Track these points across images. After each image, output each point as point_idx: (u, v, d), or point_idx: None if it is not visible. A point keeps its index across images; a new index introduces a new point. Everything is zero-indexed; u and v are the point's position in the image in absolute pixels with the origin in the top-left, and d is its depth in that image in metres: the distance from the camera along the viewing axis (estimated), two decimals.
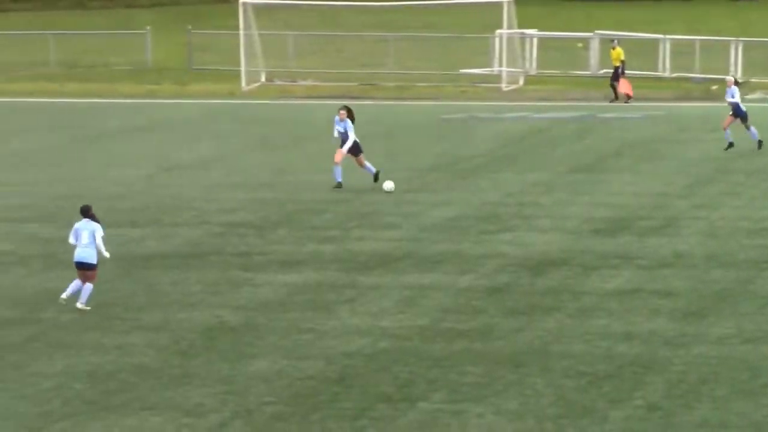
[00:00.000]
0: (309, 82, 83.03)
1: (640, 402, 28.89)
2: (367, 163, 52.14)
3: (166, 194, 51.12)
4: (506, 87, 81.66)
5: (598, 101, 75.86)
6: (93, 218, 35.50)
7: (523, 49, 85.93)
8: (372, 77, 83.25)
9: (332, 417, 28.29)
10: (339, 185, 51.41)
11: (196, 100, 78.32)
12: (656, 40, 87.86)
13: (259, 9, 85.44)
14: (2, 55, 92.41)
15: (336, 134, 52.30)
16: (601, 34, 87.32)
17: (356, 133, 50.71)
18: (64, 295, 35.41)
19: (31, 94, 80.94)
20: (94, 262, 35.36)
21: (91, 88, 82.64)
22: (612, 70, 77.85)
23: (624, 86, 76.37)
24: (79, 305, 35.30)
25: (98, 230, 35.34)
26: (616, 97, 76.28)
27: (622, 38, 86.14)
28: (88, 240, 35.20)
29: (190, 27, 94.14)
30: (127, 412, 28.62)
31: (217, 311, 35.90)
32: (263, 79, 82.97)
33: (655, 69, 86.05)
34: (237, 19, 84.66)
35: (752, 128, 57.81)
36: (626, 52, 78.77)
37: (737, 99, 57.40)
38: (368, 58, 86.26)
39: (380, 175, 50.99)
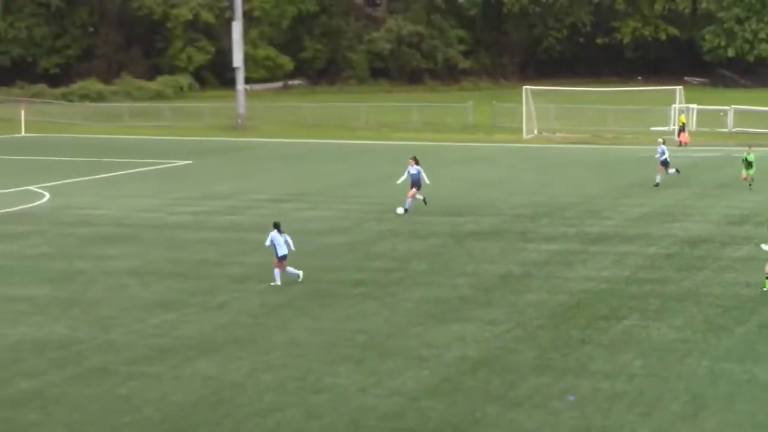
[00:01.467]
0: (562, 134, 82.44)
1: (754, 323, 28.43)
2: (415, 196, 46.83)
3: (479, 197, 51.21)
4: (677, 138, 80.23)
5: (731, 147, 73.93)
6: (280, 230, 33.13)
7: (688, 116, 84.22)
8: (598, 131, 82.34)
9: (571, 327, 28.28)
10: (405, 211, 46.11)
11: (496, 144, 78.37)
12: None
13: (533, 91, 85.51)
14: (385, 117, 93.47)
15: (405, 176, 47.19)
16: (736, 108, 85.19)
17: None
18: (278, 281, 33.00)
19: (402, 139, 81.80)
20: (286, 253, 32.90)
21: (440, 136, 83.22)
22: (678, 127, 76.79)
23: (683, 137, 74.94)
24: (299, 276, 33.30)
25: (289, 238, 33.20)
26: (681, 144, 74.52)
27: (748, 111, 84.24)
28: (283, 242, 32.91)
29: (494, 102, 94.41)
30: (454, 323, 28.87)
31: (510, 266, 35.87)
32: (535, 132, 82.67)
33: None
34: (521, 97, 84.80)
35: (671, 170, 54.95)
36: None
37: (666, 155, 54.52)
38: (596, 120, 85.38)
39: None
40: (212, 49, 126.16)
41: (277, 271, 33.22)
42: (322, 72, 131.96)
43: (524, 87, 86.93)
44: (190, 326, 28.78)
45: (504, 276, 34.45)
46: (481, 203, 49.45)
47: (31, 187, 55.76)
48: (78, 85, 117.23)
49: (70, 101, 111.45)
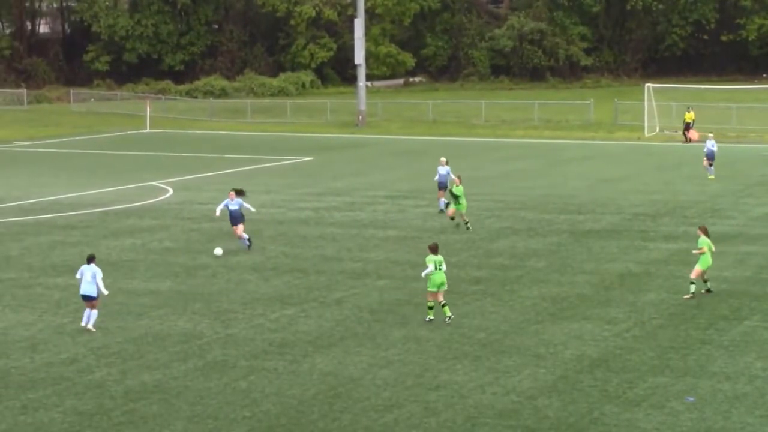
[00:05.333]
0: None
1: None
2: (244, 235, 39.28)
3: (599, 196, 50.77)
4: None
5: None
6: (94, 263, 28.41)
7: None
8: (721, 129, 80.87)
9: (691, 328, 28.06)
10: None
11: (617, 141, 77.49)
12: None
13: (655, 89, 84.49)
14: (505, 114, 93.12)
15: (218, 212, 39.90)
16: None
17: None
18: (82, 324, 28.34)
19: (521, 137, 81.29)
20: (95, 295, 28.12)
21: (558, 134, 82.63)
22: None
23: (691, 135, 75.64)
24: (90, 327, 28.23)
25: (98, 272, 28.23)
26: (686, 141, 75.51)
27: None
28: (90, 279, 28.12)
29: (616, 99, 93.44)
30: (572, 321, 28.77)
31: (629, 265, 35.66)
32: (657, 130, 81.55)
33: None
34: (643, 94, 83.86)
35: (442, 199, 45.60)
36: None
37: (446, 175, 45.38)
38: (719, 117, 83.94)
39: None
40: (334, 46, 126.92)
41: (90, 312, 28.56)
42: (444, 69, 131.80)
43: (646, 84, 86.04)
44: (309, 321, 29.04)
45: (623, 275, 34.16)
46: (602, 201, 49.04)
47: (155, 183, 56.64)
48: (202, 82, 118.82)
49: (194, 97, 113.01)
